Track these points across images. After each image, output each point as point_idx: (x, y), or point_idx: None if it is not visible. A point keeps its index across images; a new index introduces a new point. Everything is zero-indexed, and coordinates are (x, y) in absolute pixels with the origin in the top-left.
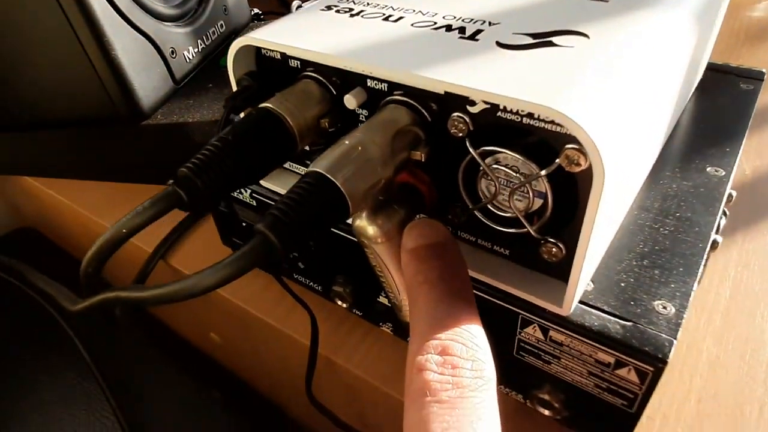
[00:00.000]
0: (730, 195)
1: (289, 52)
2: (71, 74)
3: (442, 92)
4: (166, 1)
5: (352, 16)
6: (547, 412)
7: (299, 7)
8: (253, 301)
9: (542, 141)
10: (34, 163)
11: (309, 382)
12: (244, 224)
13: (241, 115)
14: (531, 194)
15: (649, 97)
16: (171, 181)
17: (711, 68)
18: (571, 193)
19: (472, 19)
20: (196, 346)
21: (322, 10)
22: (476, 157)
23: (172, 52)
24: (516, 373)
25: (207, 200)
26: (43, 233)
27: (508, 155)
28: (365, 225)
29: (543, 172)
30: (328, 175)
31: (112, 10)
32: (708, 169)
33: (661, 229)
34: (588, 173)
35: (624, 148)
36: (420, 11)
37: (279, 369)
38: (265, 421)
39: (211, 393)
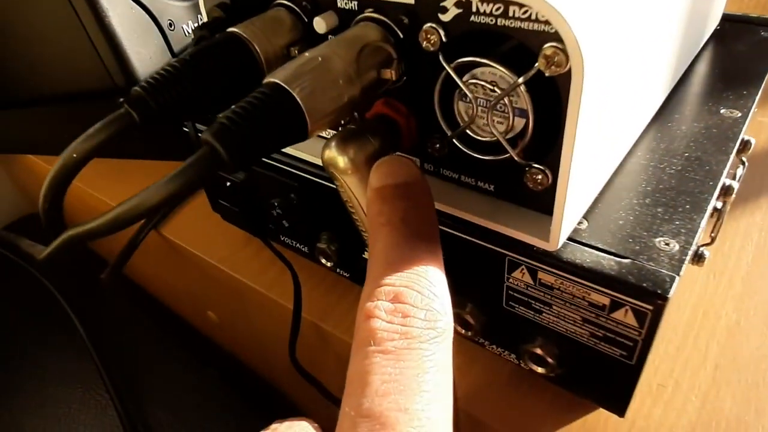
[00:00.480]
0: (747, 141)
1: None
2: (68, 47)
3: (413, 1)
4: None
5: None
6: (540, 370)
7: None
8: (243, 268)
9: (520, 45)
10: (34, 141)
11: (293, 346)
12: (229, 184)
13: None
14: (511, 112)
15: (647, 15)
16: (122, 100)
17: (729, 19)
18: (555, 108)
19: None
20: (194, 326)
21: None
22: (451, 72)
23: (170, 25)
24: (507, 328)
25: (161, 122)
26: None
27: (485, 67)
28: (335, 155)
29: (520, 80)
30: (284, 85)
31: None
32: (722, 110)
33: (667, 168)
34: (568, 74)
35: (613, 50)
36: None
37: (270, 340)
38: (259, 397)
39: (207, 370)
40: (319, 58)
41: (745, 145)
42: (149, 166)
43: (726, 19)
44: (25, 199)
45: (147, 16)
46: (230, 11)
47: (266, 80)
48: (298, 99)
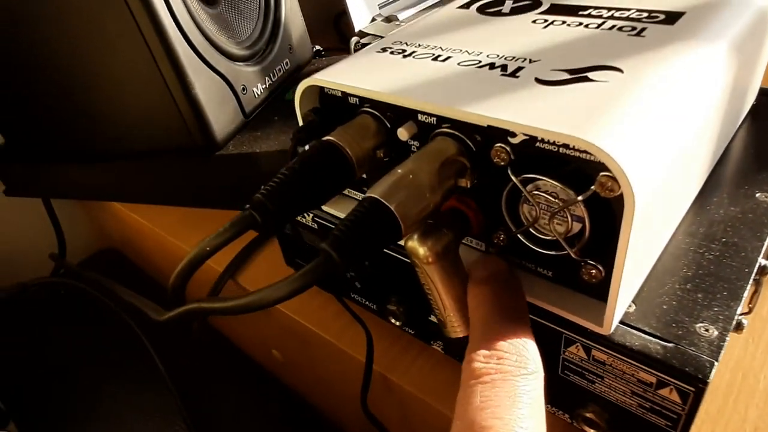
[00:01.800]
0: None
1: (348, 91)
2: (156, 111)
3: (485, 125)
4: (239, 43)
5: (404, 56)
6: (592, 431)
7: (357, 42)
8: (313, 318)
9: (578, 169)
10: (119, 190)
11: (364, 396)
12: (305, 245)
13: (307, 147)
14: (570, 218)
15: (685, 127)
16: (248, 206)
17: (766, 93)
18: (608, 217)
19: (513, 57)
20: (259, 363)
21: (378, 51)
22: (518, 184)
23: (243, 89)
24: (562, 392)
25: (277, 222)
26: (125, 254)
27: (547, 182)
28: (416, 246)
29: (579, 198)
30: (383, 200)
31: (193, 53)
32: (757, 194)
33: (706, 254)
34: (621, 198)
35: (658, 175)
36: (466, 51)
37: (335, 384)
38: None
39: (269, 407)
40: (410, 176)
41: None
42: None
43: (763, 93)
44: (102, 237)
45: (225, 83)
46: (320, 115)
47: (367, 195)
48: (394, 211)
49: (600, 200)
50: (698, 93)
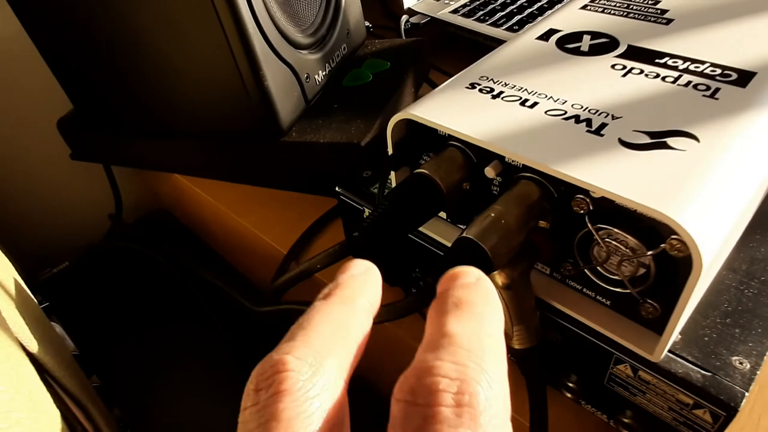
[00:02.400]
0: None
1: (447, 132)
2: (227, 97)
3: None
4: (303, 31)
5: (493, 97)
6: None
7: (407, 21)
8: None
9: (651, 227)
10: (182, 164)
11: None
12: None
13: (394, 173)
14: (637, 265)
15: (749, 189)
16: (356, 233)
17: None
18: (672, 268)
19: (597, 111)
20: None
21: (467, 87)
22: (594, 232)
23: (307, 77)
24: (604, 399)
25: (378, 246)
26: (176, 216)
27: (621, 234)
28: (495, 274)
29: (650, 253)
30: (477, 241)
31: (267, 46)
32: None
33: (746, 291)
34: (688, 257)
35: (722, 238)
36: (551, 97)
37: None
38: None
39: None
40: (502, 221)
41: None
42: (278, 195)
43: None
44: (153, 198)
45: (291, 73)
46: (410, 141)
47: (464, 236)
48: (487, 251)
49: (667, 254)
50: (765, 159)
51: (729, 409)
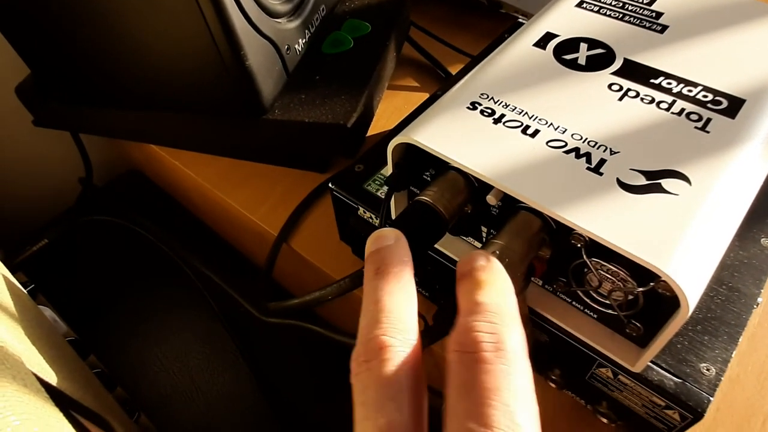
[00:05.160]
0: None
1: (448, 162)
2: (206, 75)
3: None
4: None
5: (495, 122)
6: (604, 420)
7: None
8: None
9: (642, 267)
10: (161, 135)
11: None
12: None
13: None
14: (627, 294)
15: (736, 221)
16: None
17: None
18: (660, 300)
19: (596, 144)
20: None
21: (468, 108)
22: (589, 265)
23: (287, 49)
24: (584, 389)
25: None
26: (148, 177)
27: (614, 268)
28: None
29: (640, 290)
30: None
31: (247, 24)
32: (762, 240)
33: (716, 298)
34: (675, 297)
35: (709, 278)
36: (552, 124)
37: None
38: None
39: None
40: (506, 259)
41: None
42: (261, 169)
43: None
44: (124, 159)
45: (272, 47)
46: (408, 164)
47: None
48: None
49: (656, 290)
50: (752, 191)
51: (696, 413)
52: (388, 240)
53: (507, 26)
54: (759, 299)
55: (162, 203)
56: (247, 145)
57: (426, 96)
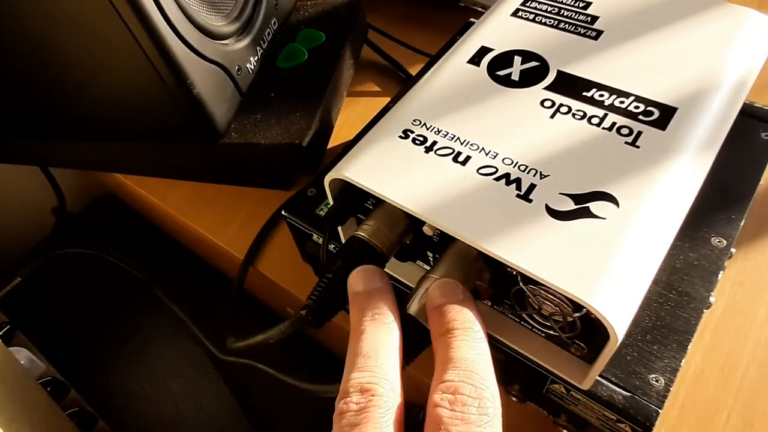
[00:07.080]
0: (730, 253)
1: (379, 197)
2: (156, 105)
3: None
4: (226, 17)
5: (426, 150)
6: (564, 431)
7: None
8: None
9: None
10: (122, 164)
11: None
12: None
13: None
14: (566, 317)
15: (668, 241)
16: (301, 310)
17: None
18: (595, 323)
19: (526, 168)
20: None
21: (401, 137)
22: (526, 291)
23: (238, 70)
24: (544, 402)
25: (327, 316)
26: (122, 199)
27: (550, 295)
28: None
29: (576, 315)
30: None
31: (187, 49)
32: (712, 239)
33: (665, 304)
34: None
35: (638, 303)
36: (483, 149)
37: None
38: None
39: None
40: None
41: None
42: (225, 191)
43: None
44: (96, 184)
45: (222, 71)
46: (346, 196)
47: (407, 312)
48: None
49: (589, 315)
50: (684, 204)
51: (645, 427)
52: (374, 282)
53: (468, 18)
54: (711, 299)
55: (138, 226)
56: (208, 169)
57: (387, 100)
